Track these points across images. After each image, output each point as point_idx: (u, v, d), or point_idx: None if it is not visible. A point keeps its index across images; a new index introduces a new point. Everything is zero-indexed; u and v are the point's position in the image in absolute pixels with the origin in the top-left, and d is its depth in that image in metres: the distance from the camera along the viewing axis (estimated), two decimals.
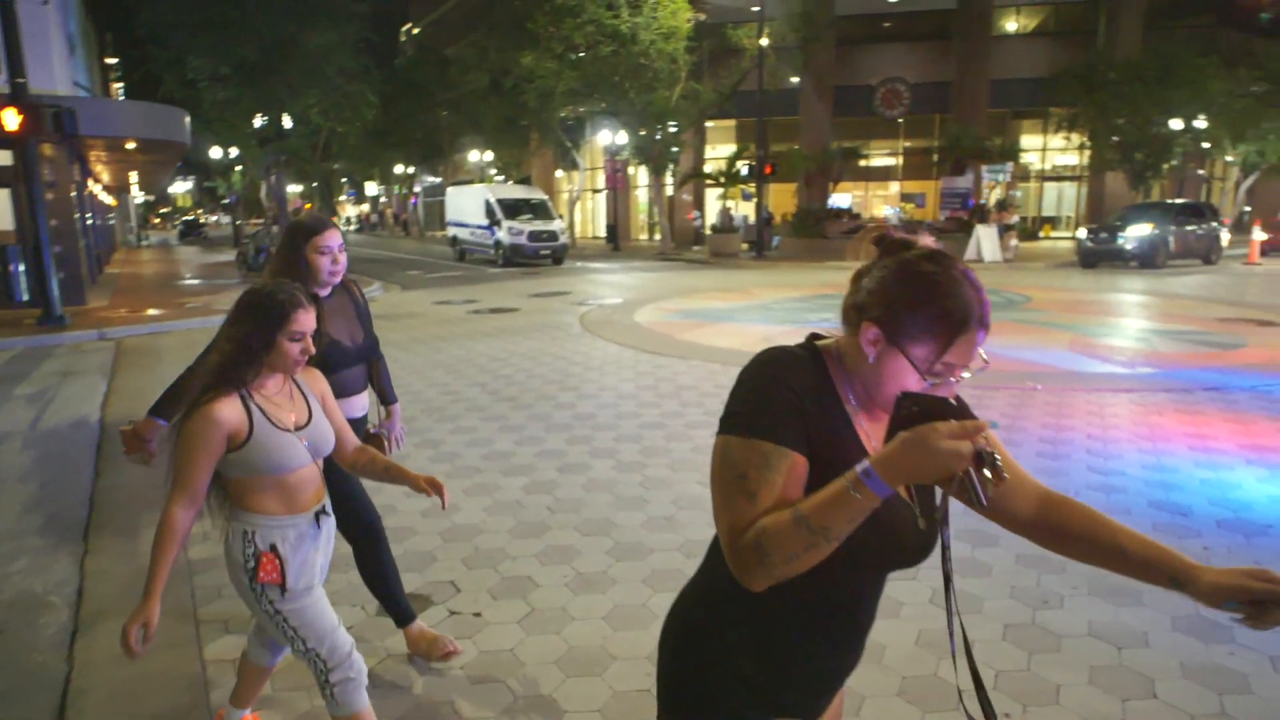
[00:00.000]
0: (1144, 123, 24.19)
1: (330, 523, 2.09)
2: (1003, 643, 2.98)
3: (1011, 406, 6.31)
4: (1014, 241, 22.42)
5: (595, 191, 37.11)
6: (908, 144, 31.89)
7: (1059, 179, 32.42)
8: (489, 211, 23.13)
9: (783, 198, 30.63)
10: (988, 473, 0.96)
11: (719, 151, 30.22)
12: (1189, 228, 19.03)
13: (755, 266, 21.71)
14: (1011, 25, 31.59)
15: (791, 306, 12.36)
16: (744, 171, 26.26)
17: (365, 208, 60.27)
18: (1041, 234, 30.97)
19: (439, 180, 44.74)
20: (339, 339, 2.59)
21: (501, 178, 36.68)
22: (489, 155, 36.78)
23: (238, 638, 3.04)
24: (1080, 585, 3.39)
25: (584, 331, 10.57)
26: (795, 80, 27.85)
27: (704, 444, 5.49)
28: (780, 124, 29.42)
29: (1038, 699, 2.65)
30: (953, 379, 1.12)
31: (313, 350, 1.97)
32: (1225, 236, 20.27)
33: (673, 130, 25.44)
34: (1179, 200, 21.71)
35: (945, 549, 1.15)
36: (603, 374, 7.85)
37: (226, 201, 35.33)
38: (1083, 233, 19.73)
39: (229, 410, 1.85)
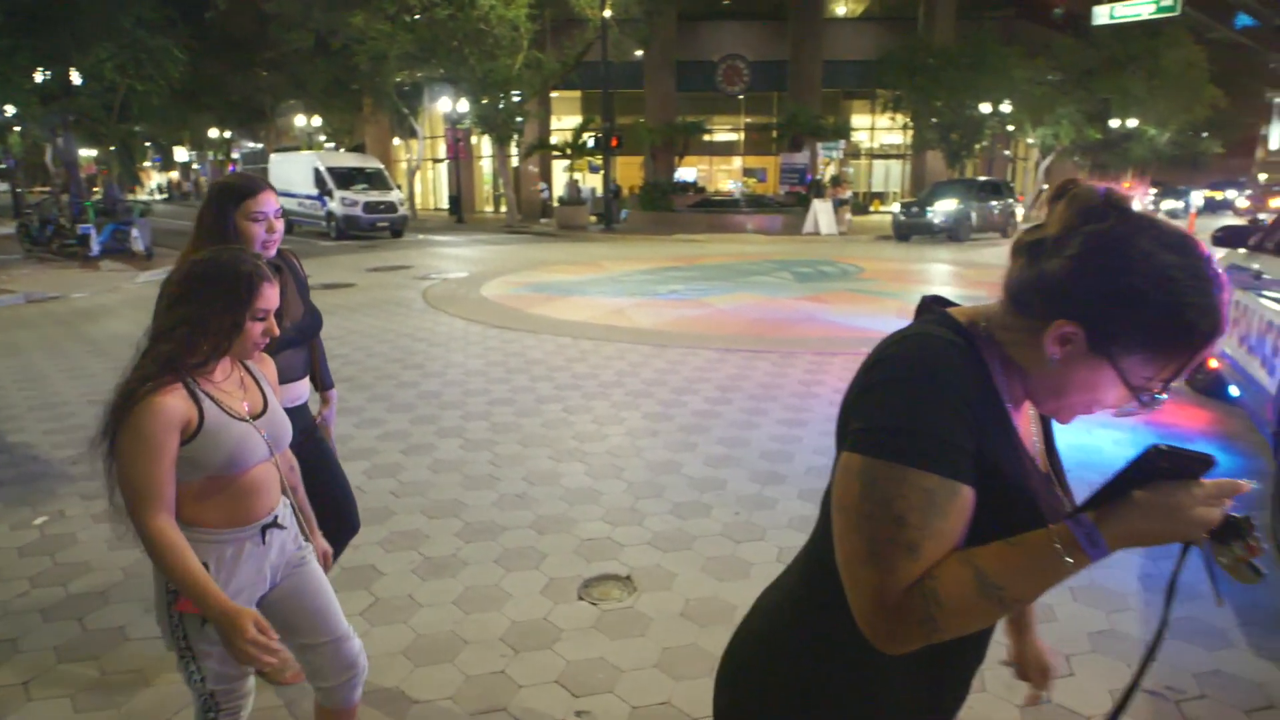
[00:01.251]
0: (958, 106, 26.46)
1: (281, 537, 1.77)
2: None
3: (848, 371, 6.69)
4: (848, 215, 23.93)
5: (436, 161, 35.69)
6: (749, 120, 33.06)
7: (886, 157, 34.90)
8: (319, 181, 21.62)
9: (630, 171, 30.89)
10: (1240, 545, 0.78)
11: (565, 123, 29.92)
12: (989, 203, 21.08)
13: (604, 239, 21.78)
14: (841, 9, 33.44)
15: (642, 279, 12.49)
16: (591, 144, 26.18)
17: (175, 175, 54.72)
18: (871, 208, 33.31)
19: (260, 146, 41.32)
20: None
21: (332, 145, 34.40)
22: (317, 120, 34.30)
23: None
24: None
25: (427, 307, 10.15)
26: (640, 54, 28.02)
27: (555, 418, 5.44)
28: (626, 97, 29.53)
29: None
30: (1159, 397, 0.88)
31: (276, 332, 1.70)
32: (1020, 211, 22.72)
33: (516, 100, 24.85)
34: (980, 178, 23.94)
35: (1162, 627, 0.90)
36: (448, 351, 7.57)
37: (3, 166, 30.68)
38: (897, 207, 21.29)
39: (175, 400, 1.57)
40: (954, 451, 0.84)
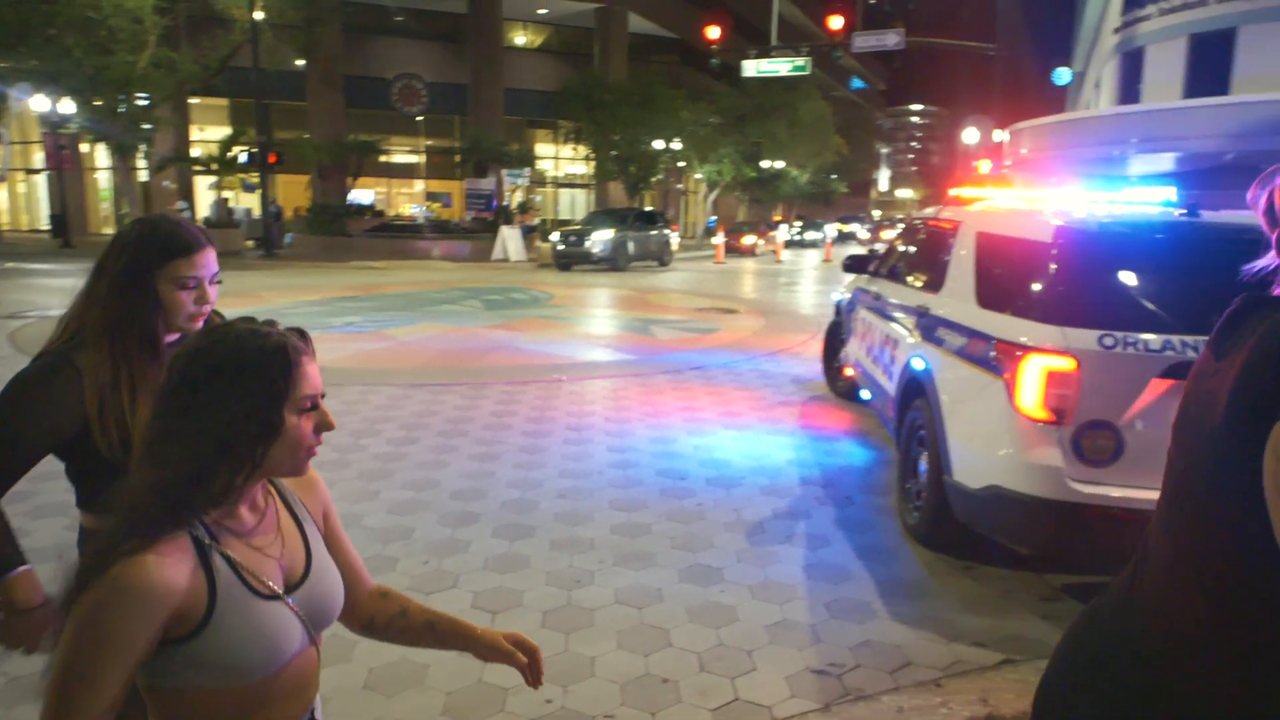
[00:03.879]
0: (634, 140, 28.92)
1: None
2: (543, 629, 3.16)
3: (540, 399, 6.84)
4: (538, 242, 24.74)
5: (31, 172, 29.85)
6: (430, 143, 32.73)
7: (572, 185, 36.86)
8: None
9: (294, 191, 28.74)
10: None
11: (210, 134, 26.94)
12: (647, 232, 22.49)
13: (264, 267, 19.89)
14: (521, 39, 34.76)
15: (311, 311, 11.58)
16: (243, 159, 23.86)
17: None
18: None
19: None
20: None
21: None
22: None
23: None
24: (607, 558, 3.79)
25: (17, 353, 8.36)
26: (301, 63, 26.34)
27: None
28: (287, 110, 27.52)
29: (577, 675, 2.86)
30: None
31: (333, 425, 1.18)
32: (675, 240, 24.95)
33: (143, 103, 21.76)
34: (634, 207, 26.05)
35: None
36: None
37: None
38: (555, 236, 21.96)
39: (175, 569, 1.04)
40: None
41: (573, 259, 20.64)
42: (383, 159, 28.71)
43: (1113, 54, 22.69)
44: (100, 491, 1.51)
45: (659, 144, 29.36)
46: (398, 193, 33.70)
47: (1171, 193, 4.06)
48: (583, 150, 30.63)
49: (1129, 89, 21.43)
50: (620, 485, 4.77)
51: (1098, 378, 3.09)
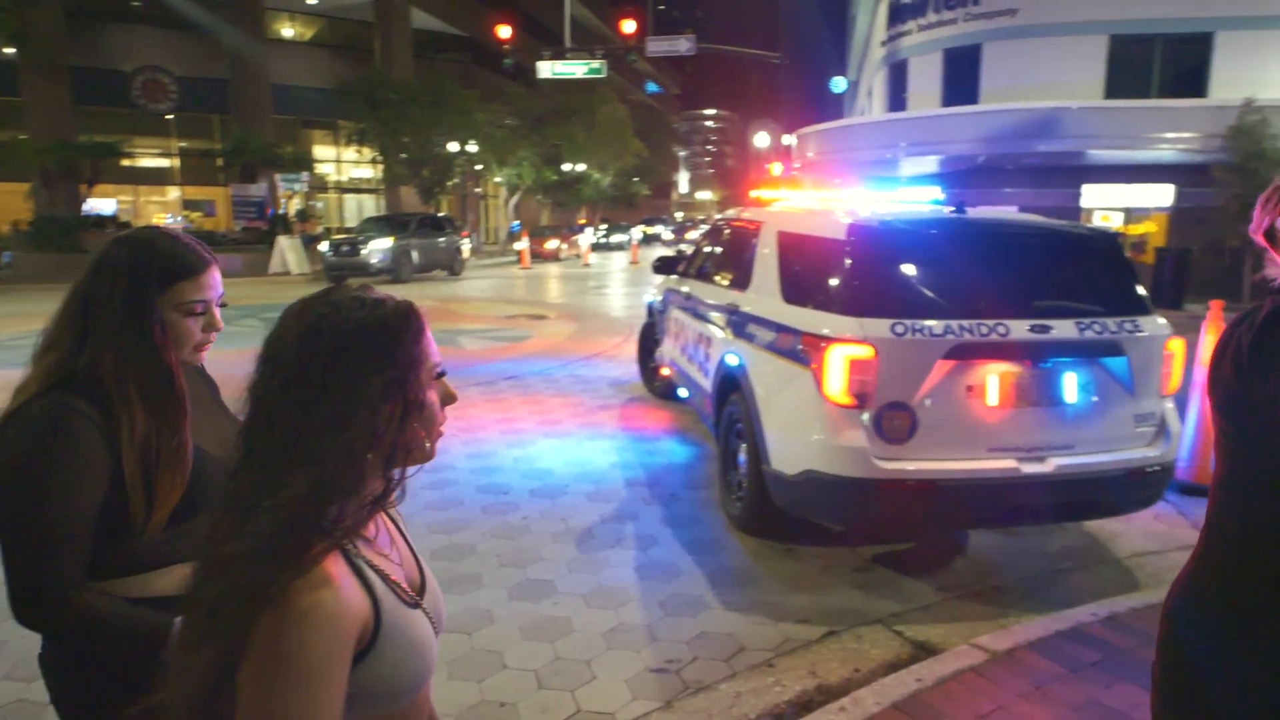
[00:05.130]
0: (425, 143, 28.18)
1: None
2: None
3: None
4: (321, 253, 23.42)
5: None
6: (184, 144, 29.99)
7: (358, 191, 35.23)
8: None
9: (11, 201, 25.24)
10: None
11: None
12: (432, 239, 21.27)
13: None
14: (288, 31, 32.76)
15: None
16: None
17: None
18: None
19: None
20: (209, 449, 1.49)
21: None
22: None
23: None
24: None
25: None
26: (11, 51, 23.25)
27: None
28: None
29: None
30: None
31: (457, 398, 1.12)
32: (467, 247, 23.91)
33: None
34: (420, 213, 24.66)
35: None
36: None
37: None
38: (325, 247, 20.08)
39: (350, 587, 0.94)
40: None
41: (346, 271, 18.69)
42: (126, 163, 25.85)
43: (881, 65, 25.29)
44: (107, 562, 1.34)
45: (454, 146, 28.83)
46: (147, 201, 30.54)
47: (938, 192, 4.63)
48: (369, 153, 29.41)
49: (896, 97, 23.98)
50: (438, 507, 4.69)
51: (893, 363, 3.49)
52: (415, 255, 20.29)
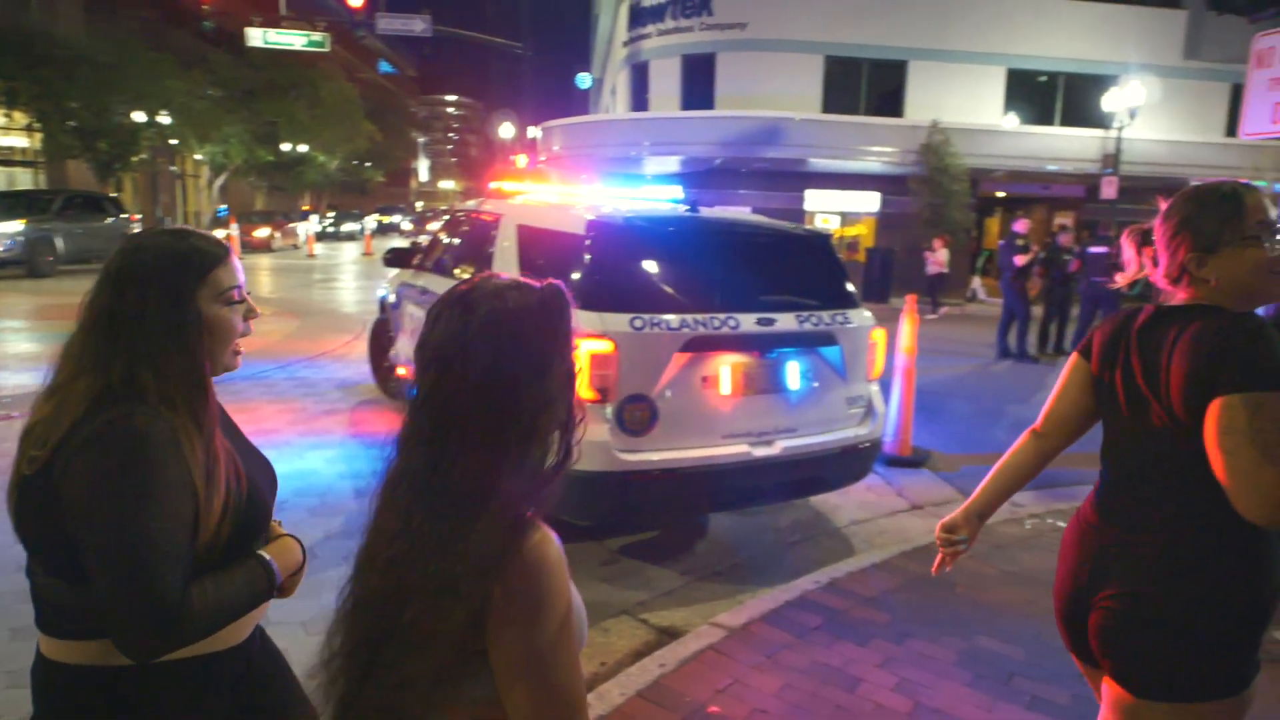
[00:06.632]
0: (101, 110, 24.81)
1: None
2: None
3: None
4: None
5: None
6: None
7: (10, 163, 30.22)
8: None
9: None
10: None
11: None
12: (87, 224, 18.09)
13: None
14: None
15: None
16: None
17: None
18: None
19: None
20: (256, 480, 1.52)
21: None
22: None
23: None
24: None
25: None
26: None
27: None
28: None
29: None
30: None
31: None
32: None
33: None
34: (66, 190, 21.20)
35: None
36: None
37: None
38: None
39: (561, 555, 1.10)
40: None
41: None
42: None
43: (624, 65, 26.33)
44: None
45: (140, 116, 25.70)
46: None
47: (678, 191, 4.95)
48: (22, 119, 25.30)
49: (639, 97, 25.10)
50: None
51: (632, 356, 3.68)
52: (60, 243, 16.87)
